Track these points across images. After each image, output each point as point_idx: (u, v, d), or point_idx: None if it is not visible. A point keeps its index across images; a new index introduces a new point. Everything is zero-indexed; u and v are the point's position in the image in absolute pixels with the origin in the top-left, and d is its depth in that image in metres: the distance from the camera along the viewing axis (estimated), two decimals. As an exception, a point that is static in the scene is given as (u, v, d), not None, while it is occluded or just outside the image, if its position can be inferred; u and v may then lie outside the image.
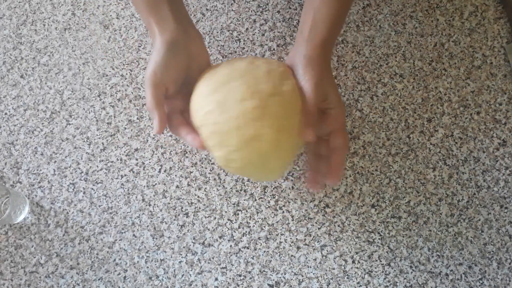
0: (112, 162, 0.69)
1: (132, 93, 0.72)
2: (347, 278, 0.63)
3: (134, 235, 0.66)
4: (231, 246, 0.64)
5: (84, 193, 0.68)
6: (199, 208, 0.66)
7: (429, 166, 0.66)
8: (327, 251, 0.64)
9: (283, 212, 0.65)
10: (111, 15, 0.76)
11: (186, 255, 0.64)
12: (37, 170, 0.69)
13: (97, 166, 0.69)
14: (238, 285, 0.63)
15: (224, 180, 0.67)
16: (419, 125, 0.68)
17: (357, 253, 0.63)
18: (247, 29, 0.74)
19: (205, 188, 0.67)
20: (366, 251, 0.63)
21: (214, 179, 0.67)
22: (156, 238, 0.65)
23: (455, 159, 0.66)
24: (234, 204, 0.66)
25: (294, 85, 0.49)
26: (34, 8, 0.77)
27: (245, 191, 0.66)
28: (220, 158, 0.48)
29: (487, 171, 0.66)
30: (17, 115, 0.72)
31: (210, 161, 0.68)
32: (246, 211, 0.66)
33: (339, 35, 0.69)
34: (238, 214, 0.65)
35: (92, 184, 0.68)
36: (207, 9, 0.75)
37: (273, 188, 0.66)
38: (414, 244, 0.63)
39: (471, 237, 0.63)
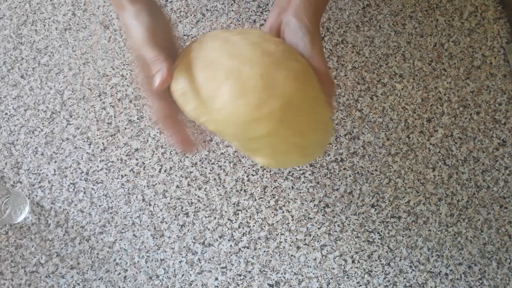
0: (112, 162, 0.69)
1: (132, 93, 0.72)
2: (347, 277, 0.63)
3: (134, 235, 0.66)
4: (231, 246, 0.64)
5: (84, 193, 0.68)
6: (199, 208, 0.66)
7: (428, 166, 0.66)
8: (327, 251, 0.64)
9: (283, 212, 0.65)
10: (111, 15, 0.76)
11: (186, 255, 0.65)
12: (38, 170, 0.69)
13: (98, 166, 0.69)
14: (238, 285, 0.63)
15: (224, 180, 0.67)
16: (419, 125, 0.68)
17: (357, 252, 0.64)
18: (247, 29, 0.74)
19: (205, 188, 0.67)
20: (366, 251, 0.64)
21: (214, 179, 0.67)
22: (156, 238, 0.65)
23: (454, 159, 0.66)
24: (234, 204, 0.66)
25: (306, 64, 0.45)
26: (35, 8, 0.78)
27: (245, 191, 0.66)
28: (298, 158, 0.44)
29: (487, 171, 0.66)
30: (18, 115, 0.72)
31: (210, 161, 0.68)
32: (246, 211, 0.66)
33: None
34: (238, 214, 0.66)
35: (92, 184, 0.68)
36: (207, 9, 0.75)
37: (273, 188, 0.66)
38: (413, 244, 0.63)
39: (470, 237, 0.63)
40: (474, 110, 0.68)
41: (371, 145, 0.67)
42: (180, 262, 0.64)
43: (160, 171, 0.68)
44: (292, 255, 0.64)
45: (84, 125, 0.71)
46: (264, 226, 0.65)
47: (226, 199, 0.66)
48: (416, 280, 0.62)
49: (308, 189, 0.66)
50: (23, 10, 0.78)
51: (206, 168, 0.68)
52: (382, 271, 0.63)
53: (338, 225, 0.65)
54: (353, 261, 0.63)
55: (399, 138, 0.67)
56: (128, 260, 0.65)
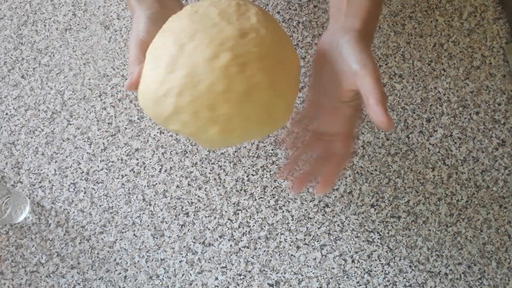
0: (112, 162, 0.69)
1: (132, 93, 0.72)
2: (346, 277, 0.63)
3: (134, 234, 0.66)
4: (231, 245, 0.65)
5: (84, 193, 0.68)
6: (199, 207, 0.66)
7: (428, 166, 0.66)
8: (326, 250, 0.64)
9: (283, 211, 0.65)
10: (111, 16, 0.76)
11: (187, 254, 0.65)
12: (38, 170, 0.70)
13: (98, 166, 0.69)
14: (238, 285, 0.63)
15: (224, 180, 0.67)
16: (418, 125, 0.68)
17: (356, 252, 0.64)
18: (247, 29, 0.74)
19: (205, 187, 0.67)
20: (365, 250, 0.64)
21: (214, 179, 0.67)
22: (157, 238, 0.65)
23: (454, 159, 0.66)
24: (234, 203, 0.66)
25: (258, 12, 0.41)
26: (35, 9, 0.78)
27: (245, 191, 0.67)
28: (215, 135, 0.39)
29: (486, 171, 0.66)
30: (18, 115, 0.72)
31: (211, 161, 0.68)
32: (246, 210, 0.66)
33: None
34: (238, 213, 0.66)
35: (92, 184, 0.68)
36: (207, 10, 0.75)
37: (273, 188, 0.66)
38: (413, 244, 0.64)
39: (470, 236, 0.64)
40: (473, 110, 0.68)
41: (371, 145, 0.67)
42: (180, 261, 0.64)
43: (160, 171, 0.68)
44: (292, 255, 0.64)
45: (85, 125, 0.71)
46: (264, 226, 0.65)
47: (226, 199, 0.66)
48: (416, 279, 0.62)
49: (308, 188, 0.66)
50: (24, 10, 0.78)
51: (206, 168, 0.68)
52: (382, 271, 0.63)
53: (338, 225, 0.65)
54: (352, 261, 0.63)
55: (399, 138, 0.68)
56: (128, 260, 0.65)
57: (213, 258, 0.64)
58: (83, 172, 0.69)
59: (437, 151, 0.67)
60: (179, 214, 0.66)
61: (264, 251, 0.64)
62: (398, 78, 0.70)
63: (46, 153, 0.70)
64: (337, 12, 0.44)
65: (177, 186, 0.67)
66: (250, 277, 0.63)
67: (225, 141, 0.41)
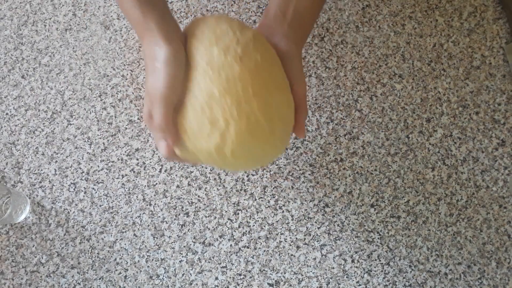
0: (113, 162, 0.69)
1: (132, 93, 0.72)
2: (346, 277, 0.63)
3: (134, 234, 0.66)
4: (231, 245, 0.65)
5: (85, 192, 0.68)
6: (200, 207, 0.66)
7: (428, 166, 0.66)
8: (326, 250, 0.64)
9: (283, 211, 0.66)
10: (111, 16, 0.76)
11: (187, 254, 0.65)
12: (38, 170, 0.70)
13: (98, 166, 0.69)
14: (238, 284, 0.63)
15: (224, 180, 0.67)
16: (418, 125, 0.68)
17: (356, 252, 0.64)
18: (247, 29, 0.74)
19: (206, 187, 0.67)
20: (365, 250, 0.64)
21: (214, 179, 0.67)
22: (157, 238, 0.66)
23: (454, 159, 0.66)
24: (234, 203, 0.66)
25: (253, 40, 0.45)
26: (35, 9, 0.78)
27: (245, 190, 0.67)
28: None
29: (486, 171, 0.66)
30: (18, 115, 0.72)
31: (210, 161, 0.68)
32: (246, 210, 0.66)
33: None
34: (238, 213, 0.66)
35: (93, 184, 0.68)
36: (207, 10, 0.75)
37: (273, 188, 0.66)
38: (413, 244, 0.64)
39: (470, 236, 0.64)
40: (473, 110, 0.68)
41: (371, 145, 0.68)
42: (180, 261, 0.64)
43: (160, 171, 0.68)
44: (292, 255, 0.64)
45: (85, 125, 0.71)
46: (264, 226, 0.65)
47: (226, 199, 0.66)
48: (416, 279, 0.62)
49: (307, 189, 0.66)
50: (24, 10, 0.78)
51: (206, 168, 0.68)
52: (382, 271, 0.63)
53: (338, 225, 0.65)
54: (352, 261, 0.63)
55: (399, 138, 0.68)
56: (128, 260, 0.65)
57: (213, 258, 0.64)
58: (83, 172, 0.69)
59: (437, 151, 0.67)
60: (179, 214, 0.66)
61: (264, 251, 0.64)
62: (398, 78, 0.70)
63: (46, 153, 0.70)
64: (280, 15, 0.49)
65: (177, 186, 0.67)
66: (250, 277, 0.63)
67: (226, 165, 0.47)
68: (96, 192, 0.68)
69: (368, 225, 0.65)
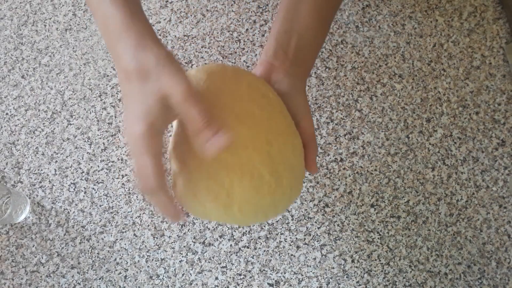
0: (113, 162, 0.69)
1: (132, 93, 0.72)
2: (346, 277, 0.63)
3: (134, 234, 0.66)
4: (231, 245, 0.65)
5: (85, 192, 0.68)
6: (200, 207, 0.66)
7: (428, 166, 0.66)
8: (326, 250, 0.64)
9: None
10: (111, 16, 0.76)
11: (187, 254, 0.65)
12: (38, 170, 0.70)
13: (98, 166, 0.69)
14: (238, 284, 0.63)
15: (224, 180, 0.67)
16: (418, 125, 0.68)
17: (356, 252, 0.64)
18: (247, 29, 0.74)
19: (205, 187, 0.67)
20: (365, 250, 0.64)
21: (214, 179, 0.67)
22: (157, 238, 0.66)
23: (454, 159, 0.66)
24: (234, 203, 0.66)
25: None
26: (35, 9, 0.78)
27: (245, 190, 0.67)
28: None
29: (486, 171, 0.66)
30: (18, 115, 0.72)
31: (210, 161, 0.68)
32: (246, 210, 0.66)
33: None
34: (238, 213, 0.66)
35: (93, 183, 0.68)
36: (207, 10, 0.75)
37: (273, 188, 0.66)
38: (413, 244, 0.64)
39: (470, 236, 0.64)
40: (473, 110, 0.68)
41: (371, 145, 0.68)
42: (180, 261, 0.65)
43: (160, 171, 0.68)
44: (292, 255, 0.64)
45: (85, 125, 0.71)
46: (264, 226, 0.65)
47: (226, 199, 0.66)
48: (416, 279, 0.62)
49: (307, 188, 0.66)
50: (24, 10, 0.78)
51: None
52: (382, 271, 0.63)
53: (338, 225, 0.65)
54: (352, 261, 0.63)
55: (399, 138, 0.68)
56: (128, 260, 0.65)
57: (213, 257, 0.64)
58: (83, 172, 0.69)
59: (437, 151, 0.67)
60: (179, 214, 0.66)
61: (264, 251, 0.64)
62: (398, 78, 0.70)
63: (46, 153, 0.70)
64: (282, 53, 0.47)
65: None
66: (250, 277, 0.63)
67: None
68: (96, 192, 0.68)
69: (368, 225, 0.65)
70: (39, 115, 0.72)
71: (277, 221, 0.65)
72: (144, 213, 0.67)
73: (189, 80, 0.37)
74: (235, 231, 0.65)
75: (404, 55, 0.71)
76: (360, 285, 0.63)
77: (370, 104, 0.69)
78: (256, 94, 0.44)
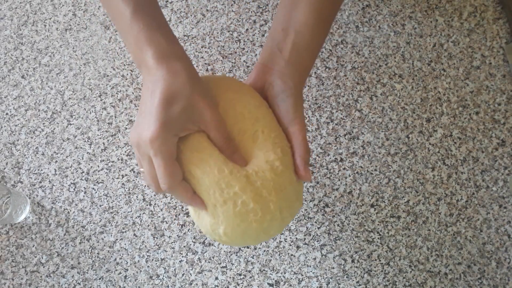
0: (113, 162, 0.69)
1: (132, 93, 0.72)
2: (346, 277, 0.63)
3: (134, 234, 0.66)
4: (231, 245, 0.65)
5: (85, 192, 0.68)
6: (200, 207, 0.66)
7: (428, 166, 0.66)
8: (326, 250, 0.64)
9: (283, 211, 0.66)
10: (111, 16, 0.76)
11: (187, 254, 0.65)
12: (38, 170, 0.70)
13: (98, 166, 0.69)
14: (238, 284, 0.63)
15: (224, 180, 0.67)
16: (418, 125, 0.68)
17: (356, 252, 0.64)
18: (247, 29, 0.74)
19: (205, 187, 0.67)
20: (365, 250, 0.64)
21: (214, 179, 0.67)
22: (157, 238, 0.66)
23: (454, 159, 0.66)
24: (234, 203, 0.66)
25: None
26: (35, 9, 0.78)
27: (245, 190, 0.67)
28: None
29: (486, 171, 0.66)
30: (18, 115, 0.72)
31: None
32: (246, 210, 0.66)
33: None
34: (238, 213, 0.66)
35: (93, 184, 0.68)
36: (207, 10, 0.75)
37: (273, 188, 0.66)
38: (413, 244, 0.64)
39: (470, 236, 0.64)
40: (473, 110, 0.68)
41: (371, 145, 0.68)
42: (180, 261, 0.65)
43: (160, 171, 0.68)
44: (292, 255, 0.64)
45: (85, 125, 0.71)
46: (264, 226, 0.65)
47: (226, 199, 0.66)
48: (416, 279, 0.62)
49: (308, 188, 0.66)
50: (24, 10, 0.78)
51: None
52: (382, 271, 0.63)
53: (338, 225, 0.65)
54: (352, 261, 0.63)
55: (399, 138, 0.68)
56: (128, 260, 0.65)
57: (213, 257, 0.64)
58: (83, 172, 0.69)
59: (437, 151, 0.67)
60: (179, 214, 0.66)
61: (264, 251, 0.64)
62: (398, 78, 0.70)
63: (46, 153, 0.70)
64: (277, 52, 0.46)
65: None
66: (250, 277, 0.63)
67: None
68: (96, 192, 0.68)
69: (368, 225, 0.65)
70: (39, 115, 0.72)
71: (277, 221, 0.65)
72: (144, 213, 0.67)
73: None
74: (235, 231, 0.65)
75: (404, 55, 0.71)
76: (360, 285, 0.63)
77: (370, 104, 0.69)
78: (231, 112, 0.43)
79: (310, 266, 0.63)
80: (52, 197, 0.68)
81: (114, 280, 0.64)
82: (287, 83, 0.45)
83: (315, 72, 0.71)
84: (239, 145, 0.43)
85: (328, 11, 0.47)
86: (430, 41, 0.71)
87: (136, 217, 0.67)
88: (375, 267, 0.63)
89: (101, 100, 0.72)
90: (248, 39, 0.73)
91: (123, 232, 0.66)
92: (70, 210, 0.67)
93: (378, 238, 0.64)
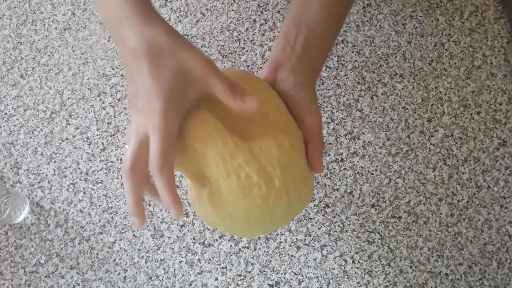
0: (112, 162, 0.69)
1: (132, 93, 0.72)
2: (347, 278, 0.63)
3: (134, 235, 0.66)
4: (231, 246, 0.64)
5: (84, 193, 0.68)
6: (199, 208, 0.66)
7: (429, 166, 0.66)
8: (327, 251, 0.64)
9: (283, 212, 0.65)
10: (111, 15, 0.76)
11: (186, 255, 0.64)
12: (37, 170, 0.69)
13: (97, 166, 0.69)
14: (238, 285, 0.63)
15: (224, 180, 0.67)
16: (419, 125, 0.68)
17: (357, 253, 0.63)
18: (247, 29, 0.74)
19: (205, 188, 0.67)
20: (366, 251, 0.63)
21: (214, 179, 0.67)
22: (156, 238, 0.65)
23: (455, 159, 0.66)
24: (234, 204, 0.66)
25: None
26: (34, 8, 0.77)
27: (245, 191, 0.66)
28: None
29: (487, 171, 0.66)
30: (17, 115, 0.72)
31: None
32: (246, 211, 0.66)
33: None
34: (238, 214, 0.66)
35: (92, 184, 0.68)
36: (207, 9, 0.75)
37: (273, 188, 0.66)
38: (414, 244, 0.63)
39: (471, 237, 0.63)
40: (474, 110, 0.68)
41: (372, 145, 0.67)
42: (180, 262, 0.64)
43: (160, 171, 0.68)
44: (292, 255, 0.64)
45: (84, 125, 0.71)
46: (264, 226, 0.65)
47: (226, 199, 0.66)
48: (416, 280, 0.62)
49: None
50: (23, 9, 0.78)
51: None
52: (382, 271, 0.63)
53: (338, 225, 0.65)
54: (353, 261, 0.63)
55: (400, 138, 0.67)
56: (128, 260, 0.65)
57: (213, 258, 0.64)
58: (82, 172, 0.69)
59: (438, 151, 0.67)
60: (178, 215, 0.66)
61: (264, 251, 0.64)
62: (399, 77, 0.70)
63: (45, 153, 0.70)
64: (288, 48, 0.46)
65: (177, 186, 0.67)
66: (250, 278, 0.63)
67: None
68: (95, 192, 0.68)
69: (369, 226, 0.64)
70: (38, 115, 0.72)
71: (277, 222, 0.65)
72: (143, 213, 0.66)
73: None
74: (235, 232, 0.65)
75: (405, 54, 0.71)
76: (360, 285, 0.62)
77: (371, 104, 0.69)
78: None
79: (310, 267, 0.63)
80: (51, 197, 0.68)
81: (114, 280, 0.64)
82: (300, 78, 0.45)
83: (316, 72, 0.71)
84: (247, 125, 0.41)
85: (340, 8, 0.47)
86: (431, 41, 0.71)
87: (135, 218, 0.66)
88: (375, 268, 0.63)
89: (100, 99, 0.72)
90: (248, 39, 0.73)
91: (122, 233, 0.66)
92: (69, 211, 0.67)
93: (379, 238, 0.64)
